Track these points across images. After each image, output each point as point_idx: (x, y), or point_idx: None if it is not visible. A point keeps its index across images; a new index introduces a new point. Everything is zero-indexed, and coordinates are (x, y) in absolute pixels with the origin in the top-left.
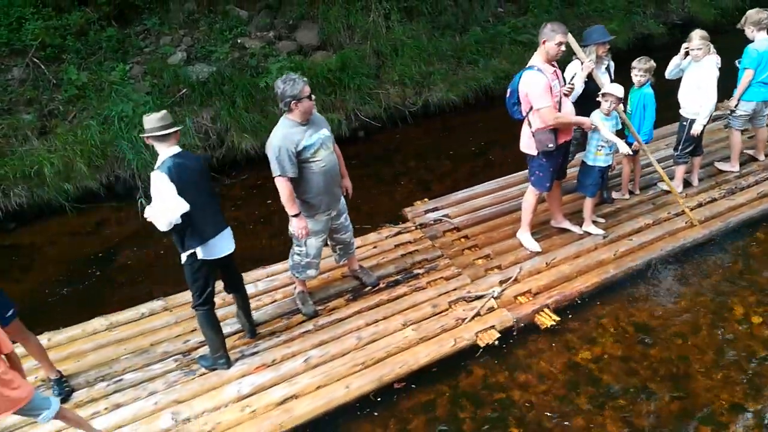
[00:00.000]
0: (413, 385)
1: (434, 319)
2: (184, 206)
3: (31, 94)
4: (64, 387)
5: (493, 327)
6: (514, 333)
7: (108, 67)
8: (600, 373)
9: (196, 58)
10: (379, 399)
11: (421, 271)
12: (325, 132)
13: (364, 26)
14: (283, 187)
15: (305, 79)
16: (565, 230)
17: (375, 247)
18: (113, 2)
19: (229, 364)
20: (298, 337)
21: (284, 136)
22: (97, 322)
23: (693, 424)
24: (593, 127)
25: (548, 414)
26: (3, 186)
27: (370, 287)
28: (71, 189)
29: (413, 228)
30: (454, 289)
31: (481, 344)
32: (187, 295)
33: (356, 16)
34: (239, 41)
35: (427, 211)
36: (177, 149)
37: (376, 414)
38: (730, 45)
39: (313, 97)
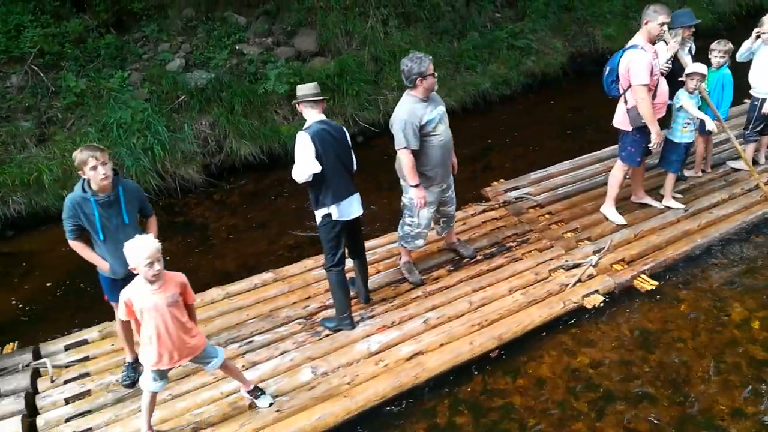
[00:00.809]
0: (426, 389)
1: (539, 286)
2: (316, 168)
3: (30, 102)
4: None
5: (596, 291)
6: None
7: (106, 74)
8: (600, 377)
9: (195, 64)
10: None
11: (513, 244)
12: (442, 108)
13: (362, 32)
14: (406, 158)
15: (431, 57)
16: (645, 205)
17: (464, 224)
18: (111, 10)
19: (353, 325)
20: (410, 302)
21: (410, 112)
22: (215, 292)
23: (693, 430)
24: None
25: (548, 419)
26: (1, 193)
27: (468, 259)
28: None
29: (497, 206)
30: (551, 259)
31: (588, 306)
32: (293, 268)
33: (354, 22)
34: (237, 48)
35: (506, 191)
36: (323, 117)
37: (374, 423)
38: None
39: (436, 74)
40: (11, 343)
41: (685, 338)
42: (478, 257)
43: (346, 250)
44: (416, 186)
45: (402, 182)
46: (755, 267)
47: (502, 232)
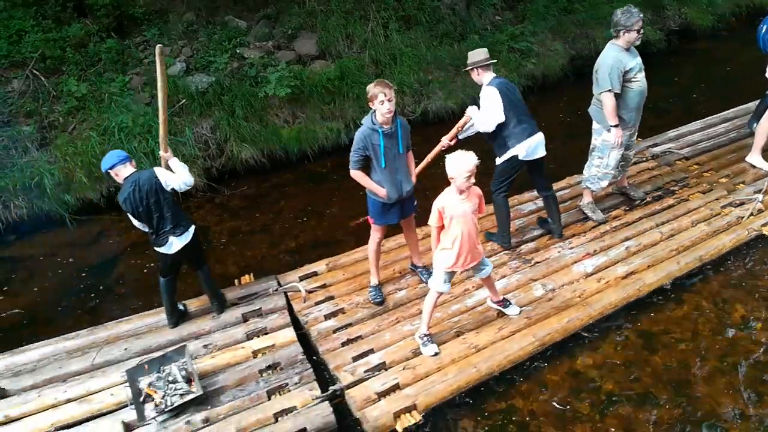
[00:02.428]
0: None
1: (718, 218)
2: (501, 118)
3: (31, 106)
4: (426, 272)
5: None
6: None
7: (107, 79)
8: (602, 380)
9: (196, 68)
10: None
11: (676, 188)
12: (639, 59)
13: (363, 35)
14: (609, 100)
15: (641, 15)
16: None
17: None
18: (112, 14)
19: (510, 244)
20: (601, 236)
21: (616, 58)
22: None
23: (695, 431)
24: None
25: (550, 421)
26: (3, 198)
27: (638, 201)
28: (71, 200)
29: (645, 159)
30: (716, 199)
31: (767, 233)
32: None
33: (355, 26)
34: (238, 51)
35: (648, 147)
36: (496, 75)
37: None
38: (729, 52)
39: (641, 32)
40: (247, 275)
41: (687, 340)
42: (648, 199)
43: (537, 186)
44: (616, 126)
45: (594, 125)
46: (756, 267)
47: (662, 179)
